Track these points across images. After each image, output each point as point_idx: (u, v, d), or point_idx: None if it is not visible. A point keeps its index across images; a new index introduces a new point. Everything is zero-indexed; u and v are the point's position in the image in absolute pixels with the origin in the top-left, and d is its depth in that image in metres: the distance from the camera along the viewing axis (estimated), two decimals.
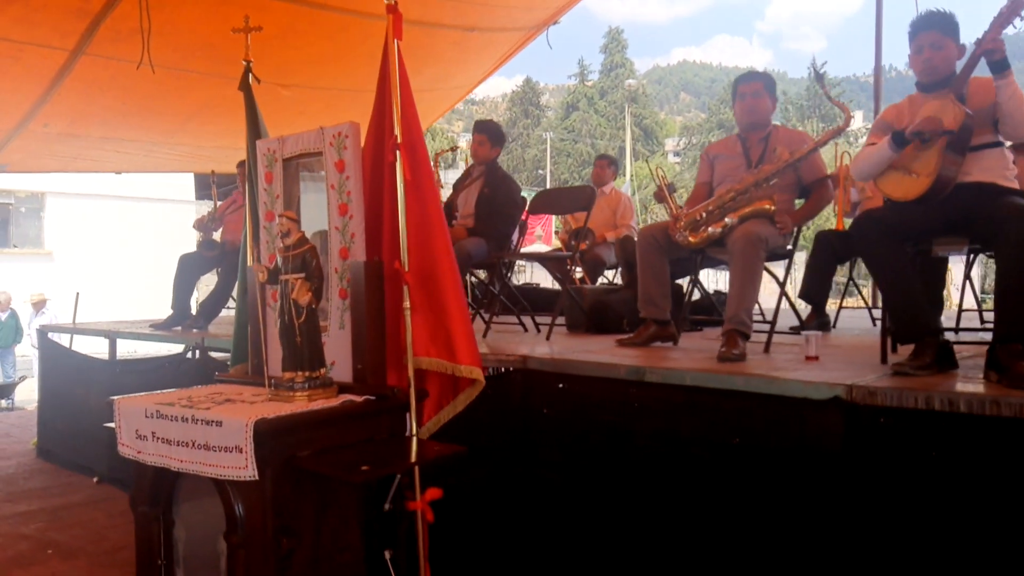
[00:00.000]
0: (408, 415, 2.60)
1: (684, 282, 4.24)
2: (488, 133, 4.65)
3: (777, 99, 3.59)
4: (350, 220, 2.67)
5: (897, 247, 2.66)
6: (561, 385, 3.01)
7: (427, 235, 2.65)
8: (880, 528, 2.23)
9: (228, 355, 3.47)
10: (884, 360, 2.79)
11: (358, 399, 2.50)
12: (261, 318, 2.74)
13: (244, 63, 3.23)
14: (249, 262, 3.03)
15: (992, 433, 2.08)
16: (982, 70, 2.74)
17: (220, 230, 5.69)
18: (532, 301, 5.49)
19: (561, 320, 4.55)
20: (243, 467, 2.18)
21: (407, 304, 2.59)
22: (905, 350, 2.72)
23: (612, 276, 6.14)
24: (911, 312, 2.61)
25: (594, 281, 5.76)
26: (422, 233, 2.64)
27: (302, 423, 2.33)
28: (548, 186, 39.10)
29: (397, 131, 2.60)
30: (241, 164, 5.38)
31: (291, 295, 2.48)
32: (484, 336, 4.07)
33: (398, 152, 2.58)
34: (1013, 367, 2.24)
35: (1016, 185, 2.74)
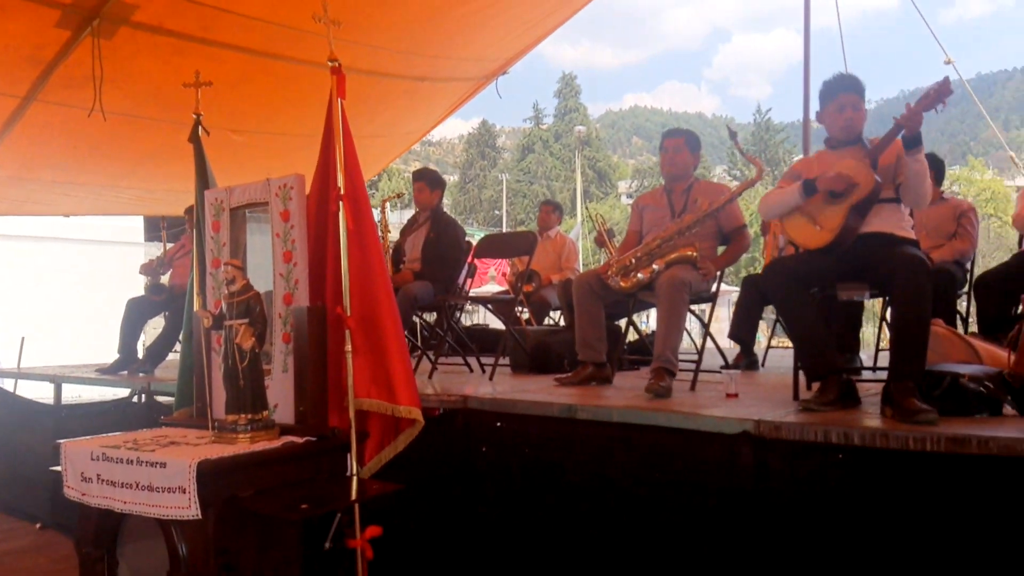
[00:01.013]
0: (349, 455, 2.71)
1: (624, 322, 4.45)
2: (426, 180, 4.83)
3: (699, 153, 3.84)
4: (294, 267, 2.80)
5: (803, 292, 2.89)
6: (499, 424, 3.15)
7: (369, 281, 2.79)
8: (787, 554, 2.40)
9: (173, 399, 3.53)
10: (796, 397, 2.99)
11: (299, 440, 2.60)
12: (206, 362, 2.84)
13: (194, 116, 3.36)
14: (196, 307, 3.13)
15: (882, 464, 2.28)
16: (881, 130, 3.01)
17: (168, 274, 5.74)
18: (480, 342, 5.64)
19: (506, 361, 4.70)
20: (186, 507, 2.26)
21: (349, 347, 2.72)
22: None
23: (557, 317, 6.33)
24: (816, 352, 2.84)
25: (540, 322, 5.93)
26: (364, 279, 2.78)
27: (244, 464, 2.43)
28: (504, 226, 39.53)
29: (340, 183, 2.75)
30: (189, 210, 5.47)
31: (235, 340, 2.58)
32: (430, 377, 4.20)
33: (341, 203, 2.73)
34: (903, 402, 2.45)
35: (912, 236, 3.01)
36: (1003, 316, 3.66)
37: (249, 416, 2.58)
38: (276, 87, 5.96)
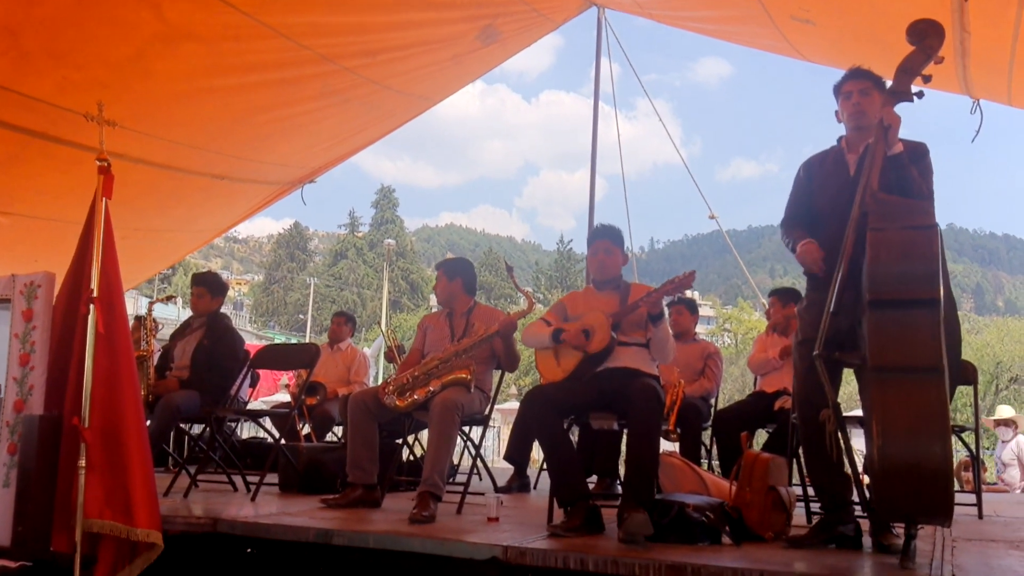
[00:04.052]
0: None
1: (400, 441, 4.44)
2: (207, 285, 4.67)
3: (465, 279, 4.00)
4: (31, 371, 2.59)
5: (556, 420, 3.09)
6: (250, 550, 2.99)
7: (114, 391, 2.62)
8: None
9: None
10: (550, 520, 3.11)
11: (12, 565, 2.34)
12: None
13: None
14: None
15: None
16: (658, 278, 3.38)
17: None
18: (255, 456, 5.35)
19: (275, 479, 4.49)
20: None
21: (83, 463, 2.51)
22: None
23: (340, 433, 6.18)
24: (565, 478, 3.01)
25: (321, 437, 5.76)
26: (109, 389, 2.61)
27: None
28: (308, 331, 38.39)
29: (94, 285, 2.61)
30: None
31: None
32: (186, 496, 3.91)
33: (93, 305, 2.59)
34: (627, 521, 2.65)
35: (654, 372, 3.33)
36: (737, 450, 4.07)
37: None
38: (54, 170, 5.60)
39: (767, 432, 4.48)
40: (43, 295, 2.61)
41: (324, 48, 5.17)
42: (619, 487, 4.28)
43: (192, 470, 4.17)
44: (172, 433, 4.90)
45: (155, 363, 4.53)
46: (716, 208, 8.74)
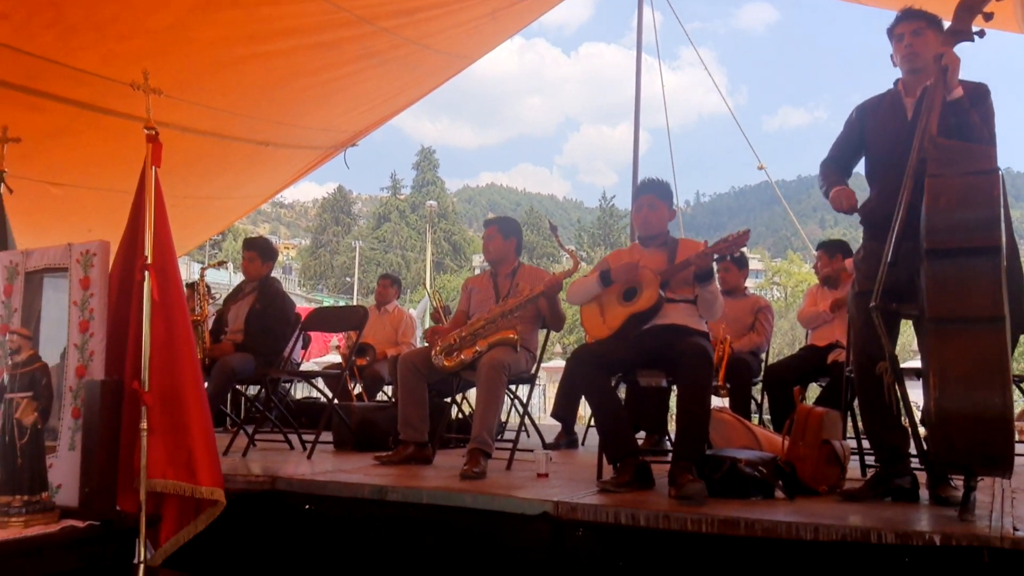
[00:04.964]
0: (137, 541, 2.54)
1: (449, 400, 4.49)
2: (258, 250, 4.74)
3: (514, 239, 4.01)
4: (91, 337, 2.66)
5: (603, 378, 3.08)
6: (308, 507, 3.06)
7: (173, 356, 2.68)
8: None
9: None
10: (599, 477, 3.13)
11: (81, 524, 2.43)
12: None
13: None
14: None
15: (665, 545, 2.43)
16: (704, 232, 3.32)
17: None
18: (309, 416, 5.49)
19: (330, 437, 4.60)
20: None
21: (144, 425, 2.59)
22: None
23: (391, 392, 6.28)
24: (614, 435, 3.01)
25: (372, 397, 5.86)
26: (167, 354, 2.67)
27: (14, 551, 2.24)
28: (355, 294, 38.92)
29: (148, 252, 2.66)
30: None
31: (15, 414, 2.40)
32: (244, 455, 4.03)
33: (147, 272, 2.64)
34: (680, 480, 2.65)
35: (703, 328, 3.29)
36: (789, 405, 4.02)
37: (25, 498, 2.40)
38: (103, 141, 5.70)
39: (819, 386, 4.43)
40: (99, 263, 2.67)
41: (362, 10, 5.13)
42: (668, 443, 4.28)
43: (249, 430, 4.29)
44: (229, 395, 5.04)
45: (209, 327, 4.64)
46: (764, 158, 8.54)
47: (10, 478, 2.40)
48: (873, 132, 2.95)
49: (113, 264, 2.75)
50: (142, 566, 2.51)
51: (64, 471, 2.60)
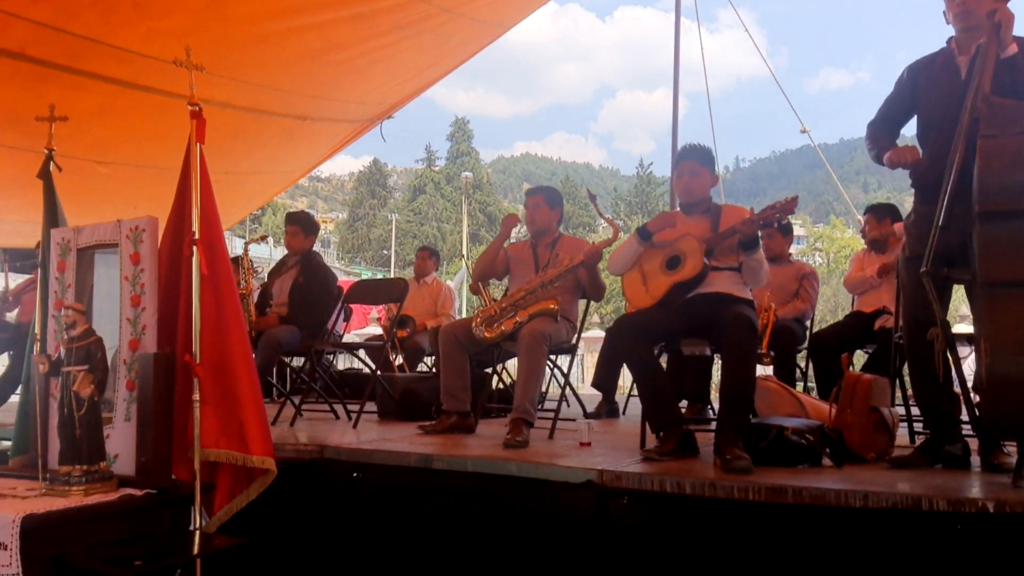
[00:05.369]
0: (193, 508, 2.62)
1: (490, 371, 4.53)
2: (300, 224, 4.80)
3: (560, 209, 4.01)
4: (142, 312, 2.72)
5: (646, 348, 3.06)
6: (356, 474, 3.12)
7: (222, 329, 2.74)
8: None
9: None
10: (643, 446, 3.14)
11: (138, 493, 2.51)
12: (40, 410, 2.70)
13: (46, 152, 3.23)
14: (35, 351, 2.97)
15: (711, 513, 2.43)
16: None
17: (16, 311, 5.39)
18: (352, 387, 5.58)
19: (374, 407, 4.67)
20: (7, 564, 2.14)
21: (196, 396, 2.65)
22: None
23: (431, 363, 6.35)
24: (657, 404, 3.00)
25: (413, 368, 5.93)
26: (217, 327, 2.72)
27: (75, 518, 2.32)
28: (392, 267, 39.23)
29: (195, 228, 2.71)
30: (39, 245, 5.18)
31: (73, 387, 2.48)
32: (292, 424, 4.11)
33: (195, 247, 2.69)
34: (726, 452, 2.64)
35: (748, 296, 3.24)
36: (835, 372, 3.96)
37: (84, 467, 2.47)
38: (146, 119, 5.79)
39: (865, 353, 4.35)
40: (148, 239, 2.72)
41: None
42: (710, 412, 4.27)
43: (296, 400, 4.38)
44: (275, 366, 5.14)
45: (255, 301, 4.72)
46: (805, 121, 8.34)
47: (69, 448, 2.48)
48: (925, 92, 2.86)
49: (162, 240, 2.80)
50: (198, 533, 2.59)
51: (120, 441, 2.68)
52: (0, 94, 5.00)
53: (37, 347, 2.95)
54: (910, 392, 3.19)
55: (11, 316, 5.42)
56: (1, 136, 5.55)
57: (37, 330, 3.01)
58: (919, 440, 3.02)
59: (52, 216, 3.21)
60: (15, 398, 5.10)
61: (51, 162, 3.27)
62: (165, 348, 2.70)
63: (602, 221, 3.95)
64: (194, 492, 2.61)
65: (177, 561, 2.48)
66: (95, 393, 2.49)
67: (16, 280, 6.07)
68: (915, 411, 3.15)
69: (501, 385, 5.20)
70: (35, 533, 2.16)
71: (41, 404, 2.73)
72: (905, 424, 3.30)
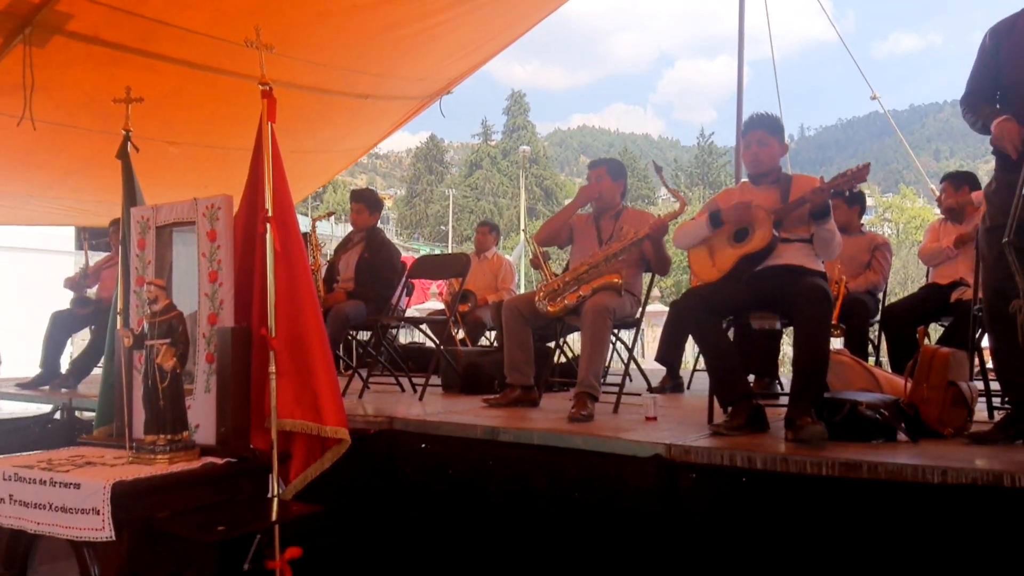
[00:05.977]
0: (270, 476, 2.72)
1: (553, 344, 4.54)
2: (365, 201, 4.87)
3: (623, 181, 3.96)
4: (219, 287, 2.81)
5: (714, 321, 3.02)
6: (424, 445, 3.19)
7: (296, 303, 2.81)
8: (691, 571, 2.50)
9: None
10: (710, 420, 3.11)
11: (219, 461, 2.61)
12: (125, 382, 2.82)
13: (123, 132, 3.34)
14: (119, 325, 3.10)
15: (783, 488, 2.40)
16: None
17: (96, 287, 5.62)
18: (415, 360, 5.66)
19: (438, 381, 4.74)
20: (100, 528, 2.25)
21: (273, 369, 2.74)
22: None
23: (492, 337, 6.39)
24: (726, 379, 2.97)
25: (475, 342, 5.98)
26: (291, 301, 2.80)
27: (161, 485, 2.42)
28: (450, 242, 39.52)
29: (268, 206, 2.78)
30: (114, 222, 5.38)
31: (156, 360, 2.58)
32: (360, 396, 4.21)
33: (268, 225, 2.76)
34: (799, 423, 2.59)
35: (820, 268, 3.17)
36: (909, 345, 3.85)
37: (168, 437, 2.58)
38: (215, 100, 5.92)
39: (940, 326, 4.22)
40: (223, 216, 2.80)
41: None
42: (778, 387, 4.20)
43: (363, 374, 4.48)
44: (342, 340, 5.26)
45: (323, 276, 4.83)
46: (874, 87, 8.03)
47: (154, 418, 2.59)
48: (1008, 55, 2.72)
49: (236, 217, 2.88)
50: (276, 500, 2.68)
51: (201, 412, 2.79)
52: (76, 77, 5.17)
53: (120, 322, 3.08)
54: (989, 366, 3.08)
55: (91, 292, 5.66)
56: (78, 119, 5.75)
57: (119, 305, 3.13)
58: (998, 415, 2.92)
59: (131, 195, 3.33)
60: (97, 370, 5.35)
61: (128, 142, 3.37)
62: (242, 322, 2.79)
63: (664, 192, 3.90)
64: (271, 461, 2.70)
65: (257, 527, 2.58)
66: (177, 365, 2.59)
67: (95, 258, 6.32)
68: (994, 385, 3.04)
69: (564, 359, 5.21)
70: (124, 499, 2.27)
71: (126, 376, 2.84)
72: (984, 399, 3.19)
